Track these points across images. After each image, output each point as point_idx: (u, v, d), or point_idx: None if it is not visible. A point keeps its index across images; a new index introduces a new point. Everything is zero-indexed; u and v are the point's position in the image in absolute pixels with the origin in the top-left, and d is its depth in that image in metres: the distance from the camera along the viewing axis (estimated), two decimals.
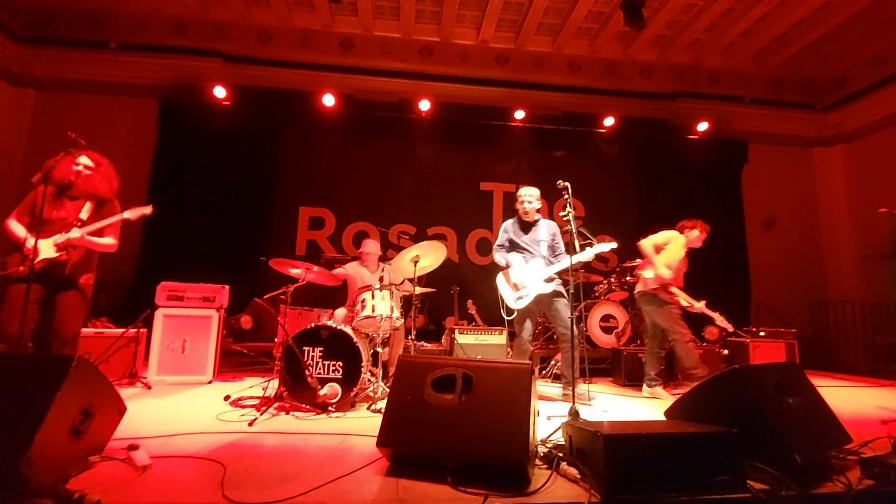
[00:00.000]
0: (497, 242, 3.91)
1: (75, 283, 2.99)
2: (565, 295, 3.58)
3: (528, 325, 3.71)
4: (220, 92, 6.38)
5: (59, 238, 2.87)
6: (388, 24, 6.97)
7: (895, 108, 6.81)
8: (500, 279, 3.79)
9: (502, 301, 3.71)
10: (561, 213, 3.08)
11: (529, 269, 3.67)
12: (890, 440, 2.04)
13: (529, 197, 3.82)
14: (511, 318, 3.69)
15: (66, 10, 6.54)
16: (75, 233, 2.91)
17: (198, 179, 6.24)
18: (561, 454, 2.14)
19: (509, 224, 3.90)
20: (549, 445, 2.28)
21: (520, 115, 6.90)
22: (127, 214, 3.11)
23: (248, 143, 6.51)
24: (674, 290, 3.99)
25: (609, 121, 6.99)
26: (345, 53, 7.06)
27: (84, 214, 2.99)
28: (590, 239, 3.52)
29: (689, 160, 7.14)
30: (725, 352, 4.95)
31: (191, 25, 6.81)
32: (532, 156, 7.05)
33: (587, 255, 3.44)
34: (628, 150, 7.17)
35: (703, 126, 7.11)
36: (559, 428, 2.38)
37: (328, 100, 6.53)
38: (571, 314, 3.08)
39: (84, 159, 3.04)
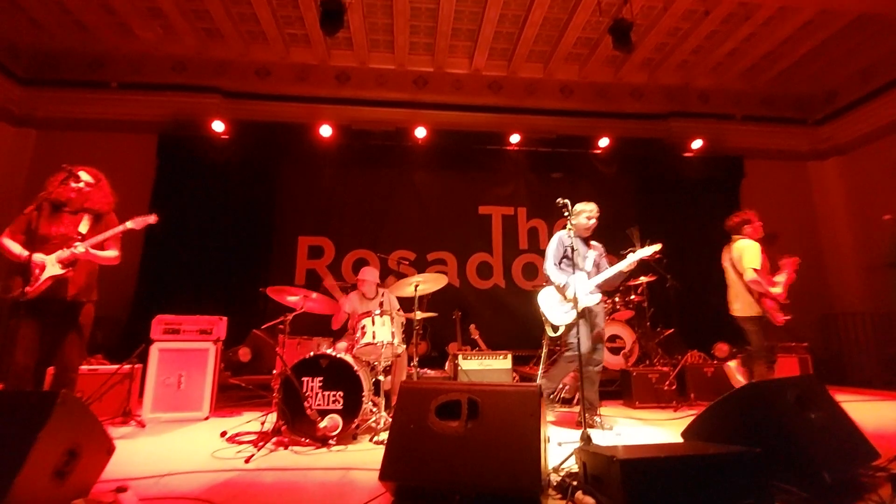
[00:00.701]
0: (553, 257, 3.66)
1: (78, 312, 2.90)
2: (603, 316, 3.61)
3: (585, 336, 3.33)
4: (218, 126, 6.45)
5: (63, 253, 2.78)
6: (382, 57, 7.12)
7: (885, 119, 6.88)
8: (543, 294, 3.65)
9: (545, 318, 3.58)
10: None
11: (575, 280, 3.50)
12: None
13: (591, 213, 3.73)
14: (556, 334, 3.54)
15: (69, 52, 6.70)
16: (80, 247, 2.82)
17: (196, 212, 6.23)
18: (575, 482, 2.02)
19: (565, 236, 3.52)
20: (562, 473, 2.17)
21: (515, 139, 6.97)
22: (130, 224, 3.01)
23: (247, 175, 6.55)
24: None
25: (604, 142, 7.04)
26: (341, 86, 7.20)
27: (83, 228, 2.92)
28: (633, 245, 3.47)
29: (686, 177, 7.16)
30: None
31: (190, 64, 6.96)
32: (529, 179, 7.08)
33: (633, 259, 3.44)
34: (625, 169, 7.20)
35: (697, 144, 7.16)
36: (572, 454, 2.27)
37: (325, 131, 6.60)
38: (577, 335, 2.98)
39: (84, 175, 3.00)
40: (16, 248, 2.77)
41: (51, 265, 2.75)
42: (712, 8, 5.98)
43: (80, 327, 2.92)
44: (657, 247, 3.48)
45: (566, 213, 3.06)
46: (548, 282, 3.68)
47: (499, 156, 7.04)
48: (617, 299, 5.34)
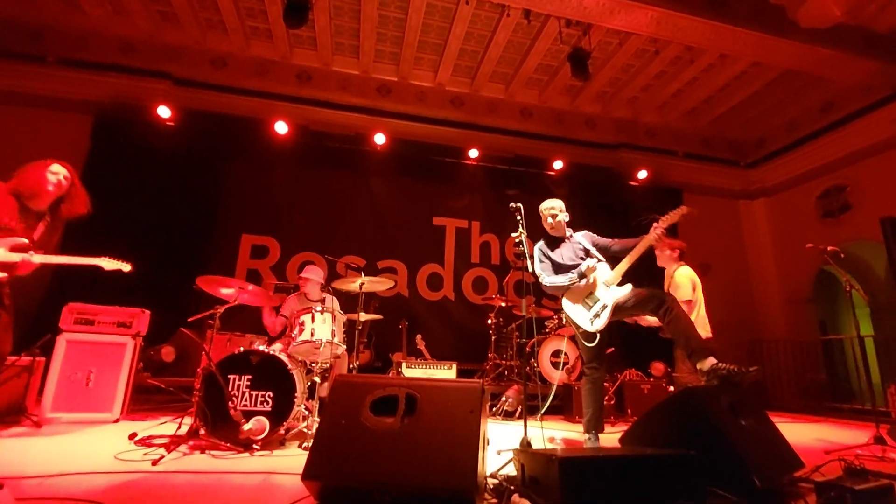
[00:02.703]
0: (540, 269, 3.25)
1: (3, 300, 2.55)
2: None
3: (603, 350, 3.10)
4: (164, 112, 6.08)
5: (13, 257, 2.44)
6: (347, 61, 7.05)
7: (806, 166, 7.57)
8: (566, 305, 3.17)
9: (578, 328, 3.09)
10: (513, 234, 3.01)
11: (597, 275, 3.09)
12: (841, 464, 2.00)
13: (553, 210, 3.34)
14: (593, 343, 3.02)
15: (6, 21, 6.13)
16: (36, 259, 2.51)
17: (129, 200, 5.76)
18: (512, 486, 1.94)
19: (543, 245, 3.33)
20: (499, 478, 2.08)
21: (474, 153, 7.05)
22: (103, 263, 2.77)
23: (191, 165, 6.18)
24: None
25: (558, 164, 7.28)
26: (301, 85, 7.03)
27: (37, 233, 2.59)
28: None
29: (631, 204, 7.49)
30: (671, 388, 4.96)
31: (140, 47, 6.57)
32: (485, 194, 7.15)
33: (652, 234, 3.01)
34: (576, 192, 7.43)
35: (642, 174, 7.56)
36: (511, 460, 2.20)
37: (281, 128, 6.38)
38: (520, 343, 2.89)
39: (59, 167, 2.65)
40: None
41: None
42: (662, 48, 6.40)
43: (8, 310, 2.58)
44: (684, 209, 3.08)
45: (518, 217, 3.04)
46: (559, 298, 3.23)
47: (456, 169, 7.09)
48: (563, 315, 5.41)
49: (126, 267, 2.85)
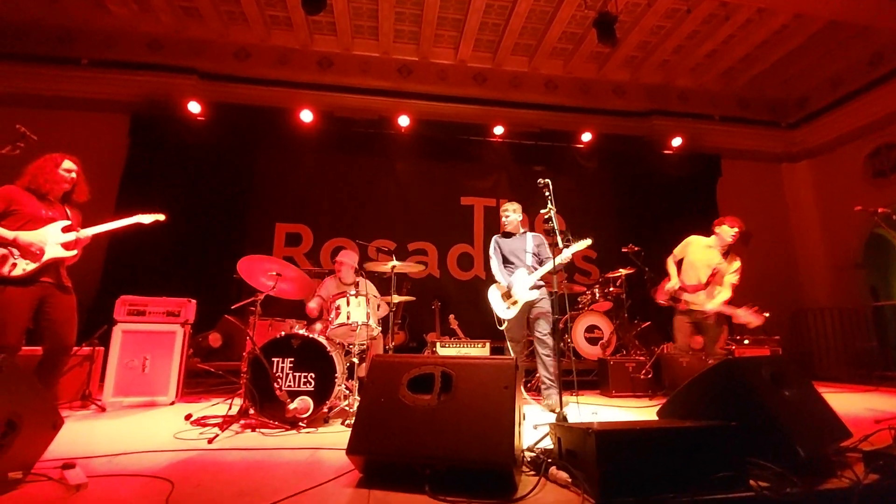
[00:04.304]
0: (492, 256, 3.98)
1: (69, 287, 2.89)
2: (548, 304, 3.66)
3: (518, 330, 3.79)
4: (194, 107, 6.24)
5: (69, 236, 2.80)
6: (366, 44, 7.01)
7: (854, 124, 7.09)
8: (491, 291, 3.88)
9: (495, 313, 3.81)
10: (542, 210, 2.99)
11: (515, 279, 3.73)
12: (891, 432, 1.94)
13: (507, 211, 3.99)
14: (502, 327, 3.80)
15: (36, 25, 6.39)
16: (89, 231, 2.88)
17: (169, 195, 5.97)
18: (550, 459, 1.97)
19: (497, 237, 4.04)
20: (536, 451, 2.12)
21: (499, 130, 6.94)
22: (143, 219, 3.14)
23: (223, 158, 6.36)
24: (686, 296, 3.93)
25: (586, 136, 7.08)
26: (323, 71, 7.06)
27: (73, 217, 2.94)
28: (569, 239, 3.43)
29: (664, 174, 7.25)
30: (711, 361, 4.86)
31: (166, 43, 6.73)
32: (512, 171, 7.06)
33: (566, 254, 3.38)
34: (606, 165, 7.26)
35: (677, 141, 7.26)
36: (547, 434, 2.23)
37: (306, 116, 6.45)
38: (553, 319, 3.01)
39: (70, 164, 2.95)
40: (3, 231, 2.67)
41: (52, 246, 2.73)
42: (694, 6, 6.06)
43: (74, 297, 2.93)
44: (588, 241, 3.54)
45: (547, 193, 3.01)
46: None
47: (482, 147, 7.01)
48: (596, 290, 5.35)
49: (161, 217, 3.19)
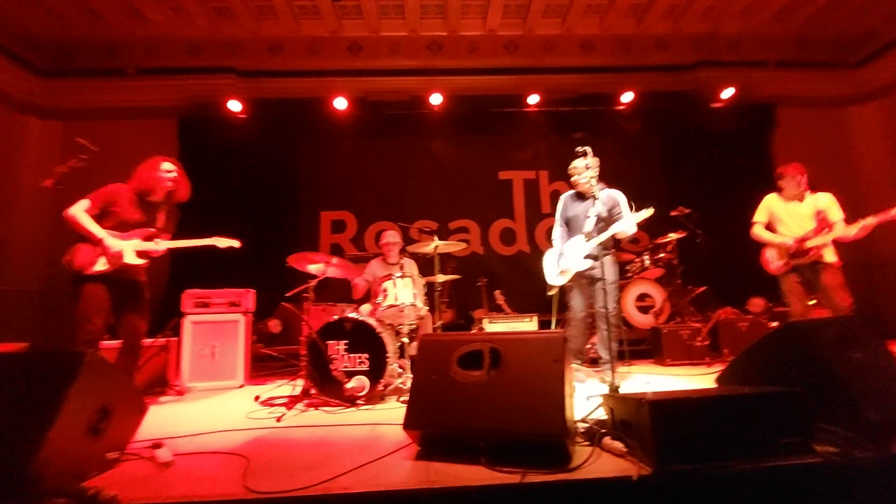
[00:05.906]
0: (559, 218, 3.77)
1: (144, 285, 3.07)
2: (611, 274, 3.41)
3: (579, 299, 3.57)
4: (235, 106, 6.47)
5: (147, 246, 2.94)
6: (393, 24, 6.94)
7: None
8: (547, 254, 3.76)
9: (545, 276, 3.71)
10: (580, 180, 2.92)
11: (567, 247, 3.58)
12: None
13: (574, 169, 3.61)
14: (551, 293, 3.71)
15: (84, 40, 6.78)
16: (163, 245, 2.99)
17: (220, 192, 6.30)
18: (603, 429, 1.98)
19: (565, 197, 3.77)
20: (589, 422, 2.13)
21: (534, 99, 6.74)
22: (219, 243, 3.20)
23: (267, 153, 6.59)
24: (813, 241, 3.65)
25: (628, 97, 6.74)
26: (354, 57, 7.08)
27: (160, 221, 3.07)
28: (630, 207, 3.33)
29: (714, 130, 6.81)
30: (773, 324, 4.63)
31: (203, 45, 6.97)
32: (551, 140, 6.87)
33: (628, 225, 3.25)
34: (650, 125, 6.90)
35: (726, 93, 6.76)
36: (600, 405, 2.23)
37: (340, 104, 6.54)
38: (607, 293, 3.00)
39: (169, 165, 3.10)
40: (92, 227, 2.81)
41: (129, 253, 2.87)
42: None
43: (147, 293, 3.10)
44: (650, 211, 3.33)
45: (586, 160, 2.93)
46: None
47: (518, 119, 6.85)
48: (646, 257, 5.19)
49: (236, 243, 3.23)
